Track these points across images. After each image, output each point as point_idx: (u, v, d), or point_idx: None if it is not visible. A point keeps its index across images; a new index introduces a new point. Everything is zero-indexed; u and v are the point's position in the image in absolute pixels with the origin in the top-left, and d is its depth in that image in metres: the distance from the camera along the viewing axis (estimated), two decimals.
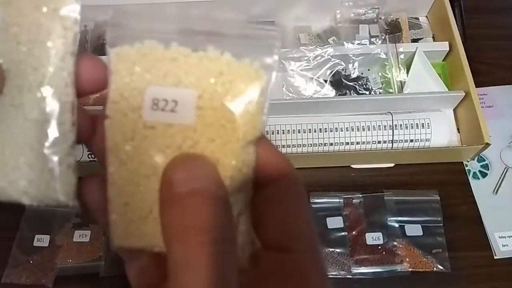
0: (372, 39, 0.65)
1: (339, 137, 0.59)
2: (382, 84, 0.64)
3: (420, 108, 0.60)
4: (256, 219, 0.20)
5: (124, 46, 0.19)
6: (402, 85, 0.63)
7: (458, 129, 0.62)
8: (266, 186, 0.20)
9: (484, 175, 0.62)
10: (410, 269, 0.54)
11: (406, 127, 0.59)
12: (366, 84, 0.64)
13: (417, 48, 0.63)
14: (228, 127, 0.19)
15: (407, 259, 0.55)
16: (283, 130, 0.58)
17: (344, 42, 0.64)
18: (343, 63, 0.63)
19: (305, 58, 0.62)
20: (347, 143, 0.59)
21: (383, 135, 0.59)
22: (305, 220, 0.20)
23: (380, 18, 0.67)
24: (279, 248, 0.19)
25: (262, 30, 0.19)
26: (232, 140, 0.19)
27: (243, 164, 0.19)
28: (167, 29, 0.19)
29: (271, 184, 0.20)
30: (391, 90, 0.63)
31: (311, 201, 0.57)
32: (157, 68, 0.19)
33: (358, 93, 0.63)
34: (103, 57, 0.20)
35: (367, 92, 0.63)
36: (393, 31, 0.66)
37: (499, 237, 0.57)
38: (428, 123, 0.59)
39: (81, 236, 0.55)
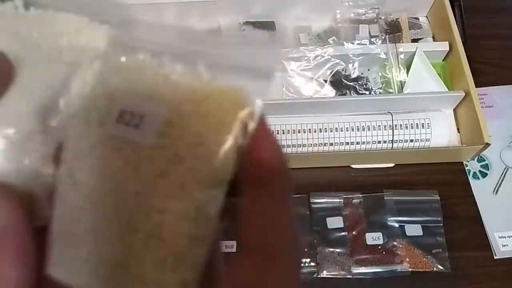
0: (372, 39, 0.65)
1: (339, 137, 0.59)
2: (382, 84, 0.64)
3: (420, 108, 0.60)
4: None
5: (121, 56, 0.18)
6: (402, 85, 0.63)
7: (458, 129, 0.62)
8: (253, 184, 0.17)
9: (484, 175, 0.62)
10: (410, 269, 0.54)
11: (406, 127, 0.59)
12: (366, 84, 0.64)
13: (417, 48, 0.63)
14: (197, 162, 0.16)
15: (407, 259, 0.55)
16: (283, 130, 0.58)
17: (344, 42, 0.64)
18: (343, 63, 0.63)
19: (305, 58, 0.62)
20: (347, 143, 0.59)
21: (383, 135, 0.59)
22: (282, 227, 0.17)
23: (380, 18, 0.67)
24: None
25: (262, 56, 0.18)
26: (191, 182, 0.16)
27: (200, 212, 0.16)
28: (162, 41, 0.18)
29: (257, 182, 0.17)
30: (391, 90, 0.63)
31: (311, 201, 0.57)
32: (142, 80, 0.17)
33: (358, 93, 0.63)
34: None
35: (367, 92, 0.63)
36: (393, 31, 0.66)
37: (499, 237, 0.57)
38: (428, 123, 0.59)
39: None
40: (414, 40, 0.67)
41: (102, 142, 0.17)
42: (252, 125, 0.16)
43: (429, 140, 0.59)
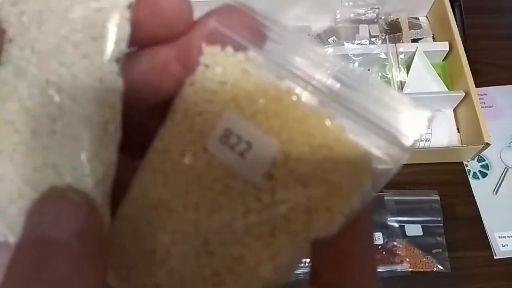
0: (372, 39, 0.65)
1: None
2: None
3: (420, 108, 0.60)
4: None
5: (227, 49, 0.15)
6: (402, 85, 0.63)
7: (458, 129, 0.62)
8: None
9: (484, 175, 0.61)
10: (410, 269, 0.54)
11: None
12: None
13: (417, 48, 0.63)
14: (295, 215, 0.14)
15: (407, 259, 0.55)
16: None
17: (344, 42, 0.64)
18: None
19: None
20: None
21: None
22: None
23: (380, 18, 0.67)
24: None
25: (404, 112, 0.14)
26: (282, 231, 0.14)
27: (284, 266, 0.14)
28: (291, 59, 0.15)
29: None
30: None
31: None
32: (250, 97, 0.14)
33: None
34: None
35: None
36: (393, 31, 0.66)
37: (499, 237, 0.57)
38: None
39: None
40: (414, 40, 0.67)
41: (197, 155, 0.14)
42: (367, 196, 0.14)
43: (429, 140, 0.59)
